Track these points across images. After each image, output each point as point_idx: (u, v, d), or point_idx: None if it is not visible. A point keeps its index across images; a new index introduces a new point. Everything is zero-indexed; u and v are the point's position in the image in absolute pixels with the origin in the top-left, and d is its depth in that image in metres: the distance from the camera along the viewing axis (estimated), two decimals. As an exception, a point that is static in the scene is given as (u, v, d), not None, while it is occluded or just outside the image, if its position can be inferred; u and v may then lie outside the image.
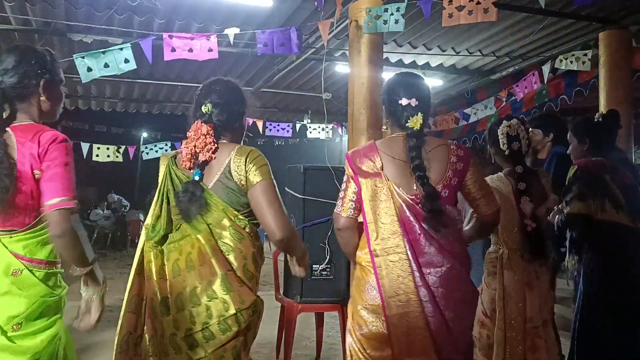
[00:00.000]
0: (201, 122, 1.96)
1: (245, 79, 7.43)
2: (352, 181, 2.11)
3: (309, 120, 9.15)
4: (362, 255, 2.08)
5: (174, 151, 2.14)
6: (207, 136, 1.93)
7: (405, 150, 2.05)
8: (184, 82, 7.56)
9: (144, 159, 9.54)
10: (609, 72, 5.02)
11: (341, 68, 6.48)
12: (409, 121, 2.07)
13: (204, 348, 1.81)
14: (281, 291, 4.50)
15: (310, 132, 9.05)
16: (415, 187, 2.00)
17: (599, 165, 2.89)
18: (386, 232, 1.99)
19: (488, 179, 2.57)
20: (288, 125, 8.82)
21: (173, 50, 4.20)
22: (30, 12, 5.06)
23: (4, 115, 1.76)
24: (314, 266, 4.04)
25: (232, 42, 4.44)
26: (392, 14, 3.73)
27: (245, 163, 1.91)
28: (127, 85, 8.00)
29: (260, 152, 1.97)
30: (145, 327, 1.93)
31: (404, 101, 2.09)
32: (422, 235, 1.96)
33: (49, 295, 1.80)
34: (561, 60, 5.23)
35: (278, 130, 8.80)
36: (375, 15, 3.80)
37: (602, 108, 5.08)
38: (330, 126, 9.12)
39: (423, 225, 1.96)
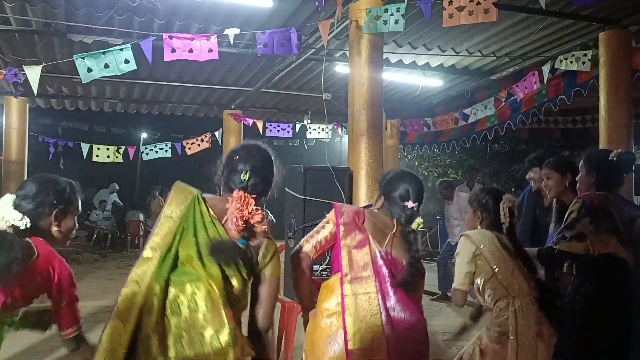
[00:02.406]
0: (244, 193, 1.94)
1: (246, 79, 7.43)
2: (328, 227, 2.29)
3: (309, 121, 9.15)
4: (327, 306, 2.21)
5: (194, 189, 2.01)
6: (256, 207, 1.94)
7: (388, 226, 2.31)
8: (184, 82, 7.55)
9: (143, 159, 9.55)
10: (609, 72, 5.03)
11: (341, 68, 6.48)
12: (412, 222, 2.30)
13: None
14: (281, 292, 4.50)
15: (310, 133, 9.05)
16: (385, 246, 2.25)
17: (603, 199, 2.84)
18: (360, 273, 2.18)
19: (471, 233, 2.68)
20: (288, 126, 8.82)
21: (173, 50, 4.20)
22: (30, 12, 5.06)
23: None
24: (314, 267, 4.03)
25: (232, 43, 4.44)
26: (392, 15, 3.73)
27: (272, 255, 1.98)
28: (127, 86, 7.99)
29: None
30: None
31: (409, 204, 2.32)
32: (389, 281, 2.18)
33: None
34: (561, 61, 5.24)
35: (278, 131, 8.81)
36: (376, 16, 3.80)
37: (602, 108, 5.08)
38: (330, 127, 9.12)
39: (393, 275, 2.20)
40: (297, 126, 8.89)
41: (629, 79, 5.09)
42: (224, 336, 1.79)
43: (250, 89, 7.56)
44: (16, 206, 1.97)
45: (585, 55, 5.11)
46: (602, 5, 4.82)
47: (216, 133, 8.84)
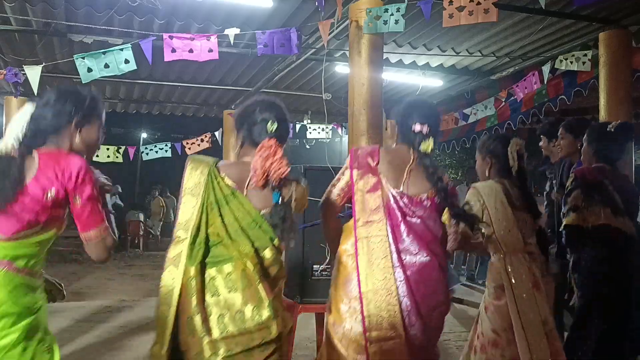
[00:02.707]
0: (275, 141, 1.96)
1: (246, 79, 7.43)
2: (347, 172, 2.32)
3: (309, 121, 9.15)
4: (345, 247, 2.26)
5: (209, 158, 2.04)
6: (283, 157, 1.95)
7: (405, 160, 2.30)
8: (184, 82, 7.56)
9: (143, 159, 9.54)
10: (609, 72, 5.03)
11: (341, 68, 6.48)
12: (421, 145, 2.29)
13: None
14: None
15: (310, 133, 9.05)
16: (402, 187, 2.25)
17: (598, 171, 2.94)
18: (372, 217, 2.20)
19: (479, 185, 2.73)
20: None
21: (173, 50, 4.20)
22: (30, 12, 5.06)
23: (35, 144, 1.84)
24: (314, 267, 4.03)
25: (232, 43, 4.44)
26: (392, 15, 3.73)
27: (304, 190, 2.06)
28: (127, 86, 8.00)
29: None
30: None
31: (417, 127, 2.30)
32: (402, 223, 2.19)
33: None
34: (561, 61, 5.24)
35: (278, 131, 8.80)
36: (376, 16, 3.80)
37: (602, 108, 5.08)
38: (330, 127, 9.12)
39: (406, 217, 2.21)
40: (297, 126, 8.89)
41: (629, 79, 5.09)
42: (265, 311, 1.85)
43: (251, 89, 7.56)
44: (35, 116, 1.86)
45: (585, 55, 5.10)
46: (602, 6, 4.82)
47: (216, 133, 8.83)
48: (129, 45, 4.27)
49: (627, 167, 4.90)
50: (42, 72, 4.56)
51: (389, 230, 2.18)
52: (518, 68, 6.53)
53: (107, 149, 8.74)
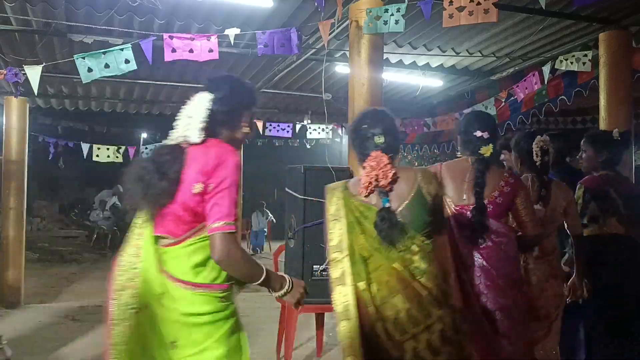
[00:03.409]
0: (382, 153, 2.13)
1: (246, 79, 7.41)
2: None
3: (309, 121, 9.15)
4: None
5: (339, 183, 2.27)
6: (389, 165, 2.11)
7: (464, 170, 2.55)
8: (185, 82, 7.55)
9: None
10: (610, 72, 5.03)
11: (341, 69, 6.47)
12: (481, 149, 2.54)
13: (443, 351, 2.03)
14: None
15: (310, 133, 9.05)
16: (464, 197, 2.50)
17: (604, 181, 3.02)
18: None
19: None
20: (288, 126, 8.82)
21: (173, 50, 4.20)
22: (30, 12, 5.05)
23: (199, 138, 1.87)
24: (314, 267, 4.04)
25: (232, 43, 4.43)
26: (392, 15, 3.73)
27: (434, 183, 2.18)
28: (127, 86, 7.99)
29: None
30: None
31: (477, 133, 2.55)
32: (458, 239, 2.42)
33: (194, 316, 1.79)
34: (561, 61, 5.23)
35: (278, 131, 8.80)
36: (376, 16, 3.80)
37: (603, 109, 5.08)
38: (330, 127, 9.12)
39: (462, 231, 2.44)
40: (297, 126, 8.88)
41: (629, 79, 5.09)
42: (429, 305, 2.02)
43: (251, 88, 7.55)
44: (211, 110, 1.90)
45: (585, 55, 5.10)
46: (602, 6, 4.81)
47: (216, 133, 8.84)
48: (129, 45, 4.27)
49: (627, 168, 4.91)
50: (42, 72, 4.55)
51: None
52: (518, 68, 6.53)
53: (107, 148, 8.75)
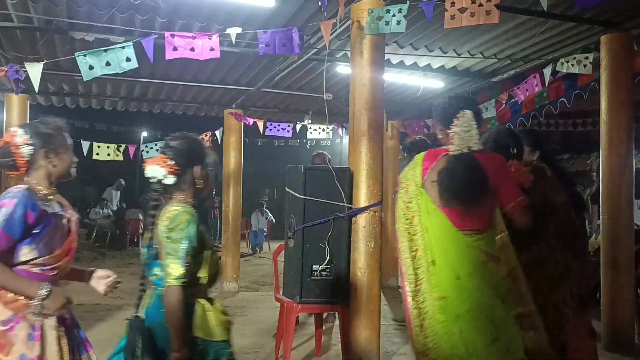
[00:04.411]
0: (517, 162, 2.82)
1: (247, 78, 7.42)
2: None
3: (310, 121, 9.14)
4: None
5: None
6: (521, 170, 2.79)
7: None
8: (185, 81, 7.55)
9: (144, 157, 9.53)
10: (611, 75, 5.03)
11: (343, 69, 6.47)
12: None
13: None
14: (281, 291, 4.50)
15: (311, 133, 9.04)
16: None
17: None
18: None
19: None
20: (288, 126, 8.81)
21: (175, 49, 4.20)
22: (32, 9, 5.05)
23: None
24: (314, 266, 4.04)
25: (233, 42, 4.43)
26: (394, 15, 3.73)
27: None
28: (128, 84, 7.98)
29: None
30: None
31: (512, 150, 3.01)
32: None
33: None
34: (562, 63, 5.23)
35: (278, 131, 8.78)
36: (377, 16, 3.80)
37: (603, 111, 5.09)
38: (331, 127, 9.11)
39: None
40: (298, 126, 8.88)
41: (631, 82, 5.09)
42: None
43: (252, 88, 7.55)
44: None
45: (586, 58, 5.10)
46: (604, 9, 4.82)
47: (217, 132, 8.83)
48: (131, 43, 4.26)
49: (629, 171, 4.91)
50: (43, 69, 4.55)
51: None
52: (519, 70, 6.52)
53: (108, 147, 8.73)
